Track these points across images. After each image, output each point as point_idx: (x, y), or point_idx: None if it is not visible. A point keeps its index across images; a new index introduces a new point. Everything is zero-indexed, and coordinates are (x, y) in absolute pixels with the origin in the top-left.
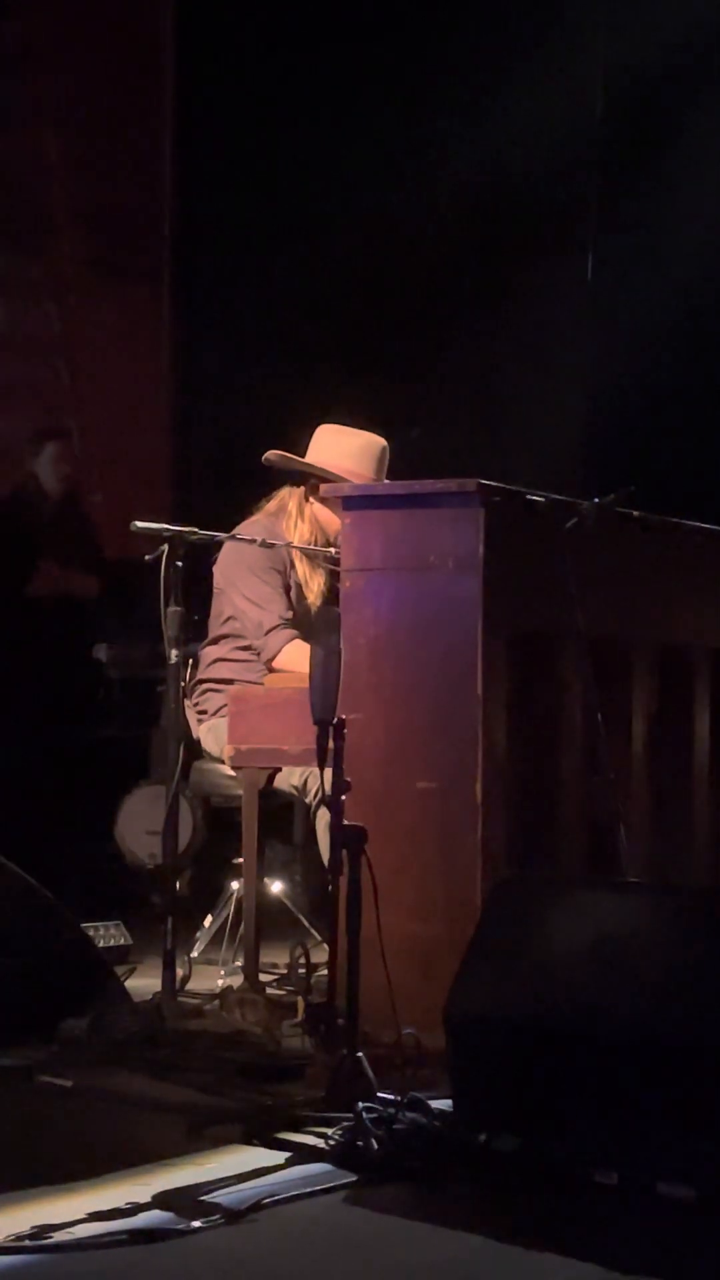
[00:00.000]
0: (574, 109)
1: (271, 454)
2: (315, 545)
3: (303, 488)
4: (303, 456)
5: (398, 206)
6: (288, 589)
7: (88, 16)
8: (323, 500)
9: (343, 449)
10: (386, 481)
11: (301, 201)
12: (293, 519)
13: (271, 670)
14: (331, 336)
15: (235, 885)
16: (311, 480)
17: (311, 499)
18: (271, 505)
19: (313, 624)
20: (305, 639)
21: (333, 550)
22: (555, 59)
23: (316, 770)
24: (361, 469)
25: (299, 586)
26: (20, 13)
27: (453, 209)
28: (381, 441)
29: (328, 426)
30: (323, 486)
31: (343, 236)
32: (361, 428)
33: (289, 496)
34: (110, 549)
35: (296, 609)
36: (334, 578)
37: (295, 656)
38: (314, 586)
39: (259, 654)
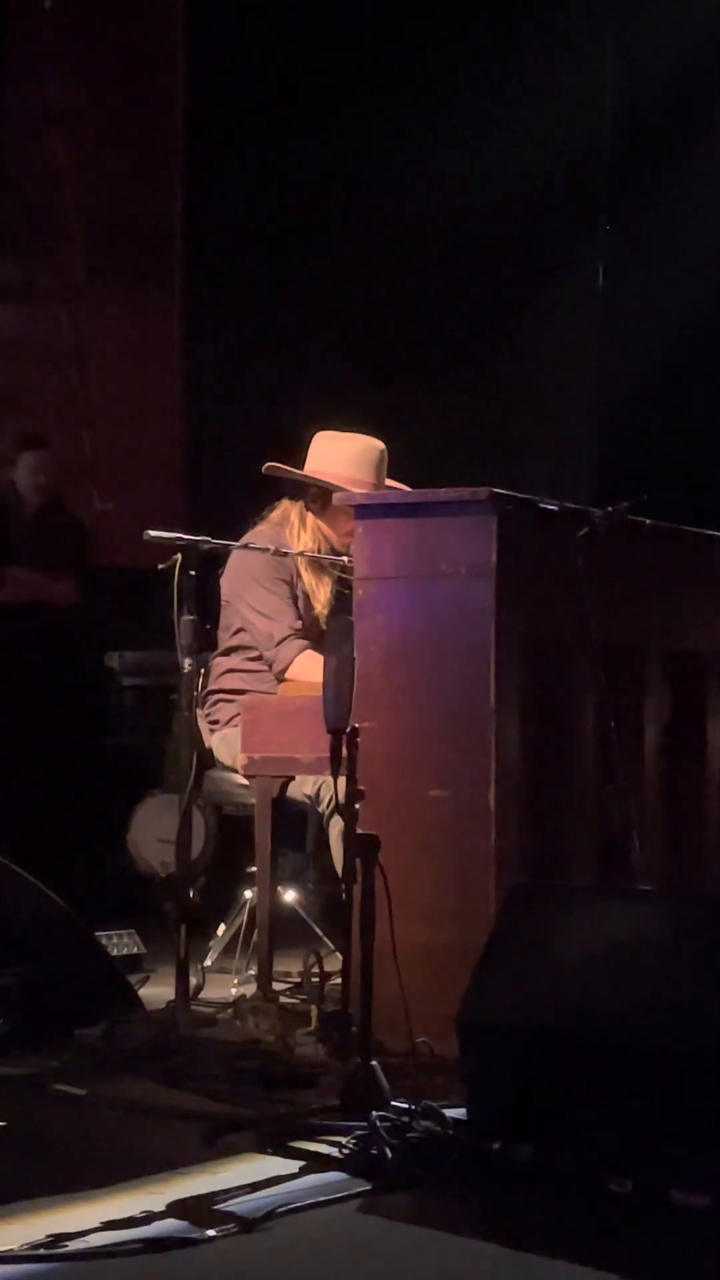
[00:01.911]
0: (584, 117)
1: (269, 466)
2: (320, 553)
3: (303, 498)
4: (302, 465)
5: (409, 214)
6: (295, 599)
7: (98, 24)
8: (324, 510)
9: (340, 456)
10: (388, 482)
11: (312, 208)
12: (295, 529)
13: (283, 681)
14: (343, 344)
15: (248, 894)
16: (311, 490)
17: (310, 509)
18: (275, 515)
19: (325, 633)
20: (314, 648)
21: (345, 559)
22: (565, 66)
23: (329, 779)
24: (360, 474)
25: (306, 595)
26: (30, 20)
27: (463, 218)
28: (379, 445)
29: (324, 434)
30: (335, 496)
31: (353, 244)
32: (375, 435)
33: (290, 507)
34: (122, 557)
35: (304, 618)
36: (341, 585)
37: (307, 667)
38: (320, 595)
39: (270, 665)
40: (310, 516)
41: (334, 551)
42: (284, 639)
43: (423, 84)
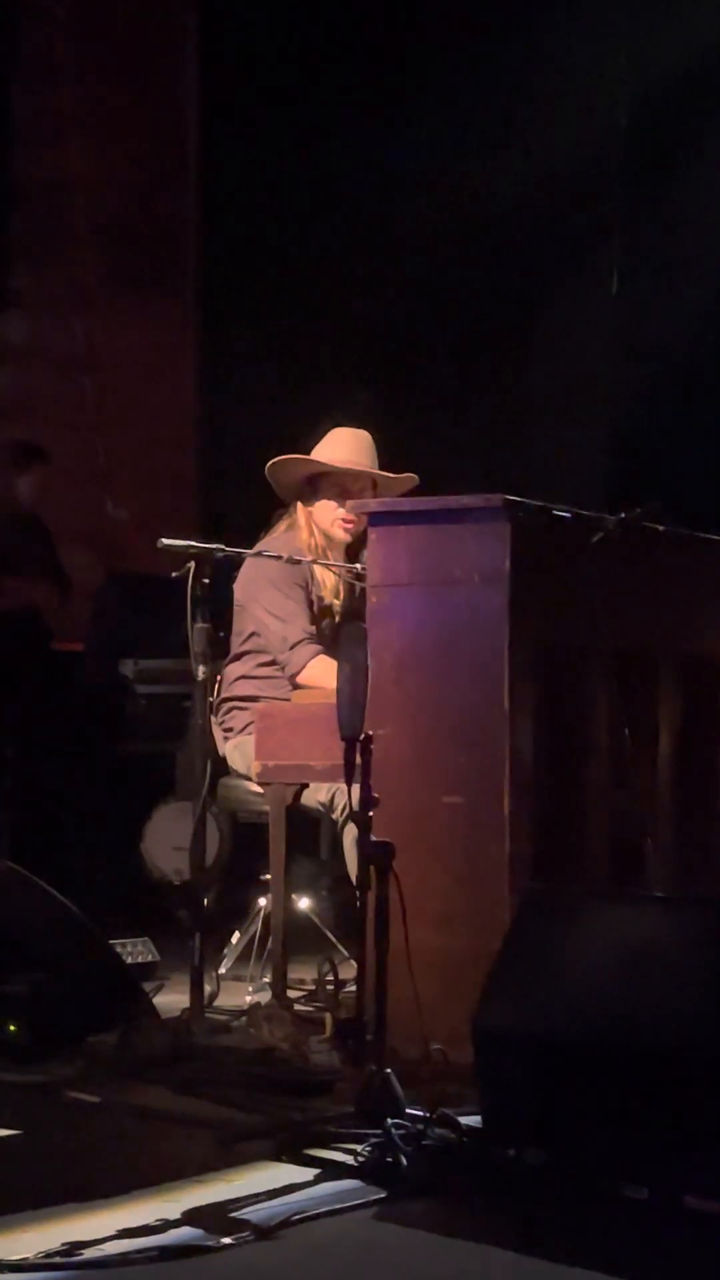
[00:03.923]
0: (596, 125)
1: (269, 466)
2: (328, 558)
3: (312, 505)
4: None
5: (422, 221)
6: (310, 604)
7: (112, 30)
8: (315, 496)
9: (334, 443)
10: (391, 479)
11: (325, 216)
12: (302, 531)
13: (296, 685)
14: (356, 351)
15: (262, 901)
16: (304, 488)
17: (312, 511)
18: (282, 525)
19: (339, 639)
20: (328, 654)
21: (359, 566)
22: (577, 74)
23: (343, 786)
24: (358, 457)
25: (320, 602)
26: (45, 27)
27: (476, 225)
28: (366, 434)
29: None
30: (349, 503)
31: (368, 251)
32: (383, 438)
33: (301, 513)
34: (136, 564)
35: (317, 625)
36: (352, 591)
37: (321, 672)
38: (334, 602)
39: (283, 668)
40: (306, 514)
41: (329, 540)
42: (298, 643)
43: (436, 91)
